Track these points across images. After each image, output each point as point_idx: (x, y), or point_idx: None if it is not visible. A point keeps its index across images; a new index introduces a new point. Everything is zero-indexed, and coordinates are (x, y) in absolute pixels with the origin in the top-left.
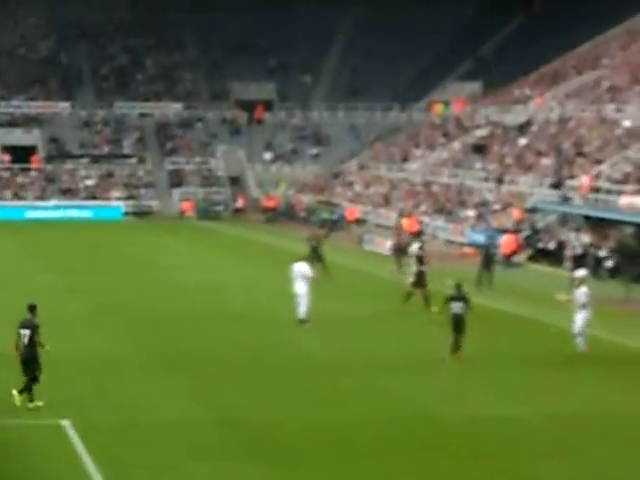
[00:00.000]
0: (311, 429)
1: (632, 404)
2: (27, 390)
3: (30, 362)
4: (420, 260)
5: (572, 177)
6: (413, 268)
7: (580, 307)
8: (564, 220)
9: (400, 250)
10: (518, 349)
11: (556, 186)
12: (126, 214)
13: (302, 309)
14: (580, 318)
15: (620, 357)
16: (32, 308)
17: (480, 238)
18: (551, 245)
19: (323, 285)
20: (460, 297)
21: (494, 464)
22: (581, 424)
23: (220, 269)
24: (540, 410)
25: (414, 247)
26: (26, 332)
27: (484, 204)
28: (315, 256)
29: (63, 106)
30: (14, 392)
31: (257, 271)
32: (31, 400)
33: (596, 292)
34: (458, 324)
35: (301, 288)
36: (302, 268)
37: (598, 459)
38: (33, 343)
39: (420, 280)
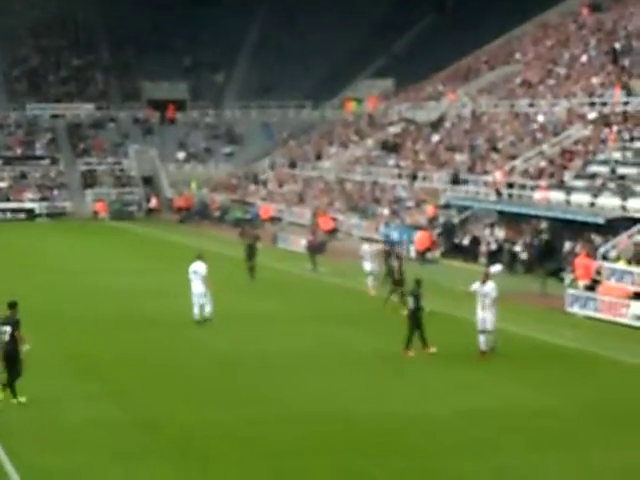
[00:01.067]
0: (227, 429)
1: (548, 399)
2: (10, 386)
3: (12, 358)
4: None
5: (486, 172)
6: (367, 268)
7: (491, 304)
8: (478, 216)
9: (315, 248)
10: (437, 346)
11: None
12: (40, 215)
13: (207, 308)
14: (492, 315)
15: (536, 352)
16: (12, 305)
17: (394, 235)
18: (465, 241)
19: (242, 284)
20: (414, 293)
21: (413, 461)
22: (498, 420)
23: (133, 271)
24: (457, 407)
25: (365, 248)
26: (7, 329)
27: (398, 201)
28: (251, 254)
29: None
30: None
31: (169, 272)
32: (14, 396)
33: (512, 287)
34: (417, 319)
35: (198, 287)
36: (198, 267)
37: (516, 454)
38: (14, 339)
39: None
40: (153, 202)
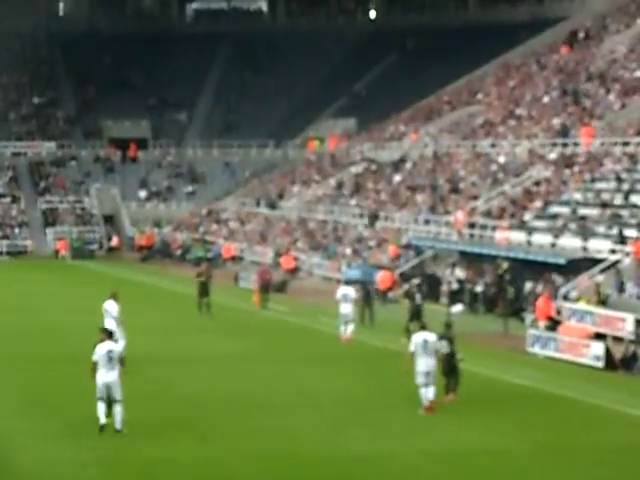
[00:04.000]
0: (186, 467)
1: (512, 441)
2: None
3: None
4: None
5: (447, 212)
6: (345, 311)
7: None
8: (438, 256)
9: (267, 285)
10: (396, 386)
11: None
12: (0, 254)
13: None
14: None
15: (495, 393)
16: None
17: (356, 274)
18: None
19: (203, 322)
20: (447, 337)
21: None
22: (458, 461)
23: (88, 309)
24: (416, 447)
25: (345, 290)
26: None
27: (360, 240)
28: (204, 291)
29: None
30: None
31: (129, 310)
32: None
33: (473, 327)
34: (447, 364)
35: (110, 325)
36: (110, 306)
37: None
38: None
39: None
40: (114, 241)
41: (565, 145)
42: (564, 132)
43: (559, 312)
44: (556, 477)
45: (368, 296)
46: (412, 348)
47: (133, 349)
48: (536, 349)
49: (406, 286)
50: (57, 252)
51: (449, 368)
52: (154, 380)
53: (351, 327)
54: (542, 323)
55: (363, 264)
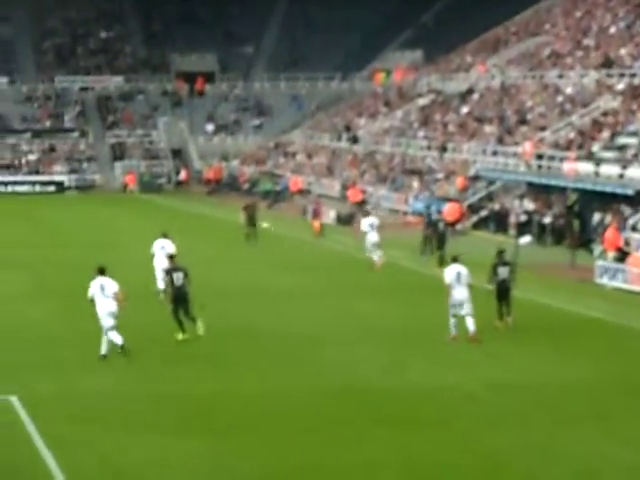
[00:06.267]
0: (249, 402)
1: (577, 372)
2: None
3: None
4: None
5: (515, 144)
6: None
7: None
8: (506, 187)
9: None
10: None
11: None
12: (69, 188)
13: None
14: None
15: (565, 324)
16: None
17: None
18: (495, 212)
19: (259, 255)
20: (504, 262)
21: (438, 433)
22: (525, 393)
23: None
24: (483, 379)
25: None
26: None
27: (427, 172)
28: (251, 224)
29: (2, 81)
30: None
31: (196, 243)
32: None
33: (541, 258)
34: (503, 290)
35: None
36: (164, 244)
37: (541, 428)
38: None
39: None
40: (182, 174)
41: (633, 76)
42: (631, 63)
43: (627, 243)
44: (632, 410)
45: (436, 230)
46: (447, 280)
47: (199, 282)
48: (604, 280)
49: (474, 218)
50: (125, 186)
51: (504, 293)
52: (219, 314)
53: (379, 253)
54: (610, 254)
55: (430, 196)
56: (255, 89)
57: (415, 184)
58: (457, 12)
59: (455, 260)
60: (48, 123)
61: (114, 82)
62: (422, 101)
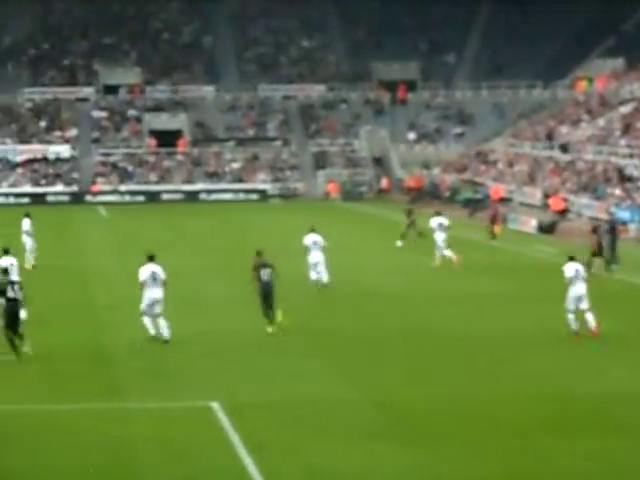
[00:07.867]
0: (444, 407)
1: None
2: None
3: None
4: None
5: None
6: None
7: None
8: None
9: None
10: None
11: None
12: (272, 196)
13: (324, 276)
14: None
15: None
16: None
17: (626, 215)
18: None
19: (467, 263)
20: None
21: (633, 440)
22: None
23: (359, 249)
24: None
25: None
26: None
27: (630, 181)
28: (412, 227)
29: (208, 90)
30: None
31: (396, 250)
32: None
33: None
34: None
35: (318, 257)
36: (316, 238)
37: None
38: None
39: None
40: (384, 182)
41: None
42: None
43: None
44: None
45: (614, 234)
46: (567, 274)
47: (384, 287)
48: None
49: None
50: (327, 194)
51: None
52: (409, 318)
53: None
54: None
55: (632, 205)
56: (457, 97)
57: (617, 192)
58: None
59: (572, 259)
60: (251, 132)
61: (316, 91)
62: (624, 109)
